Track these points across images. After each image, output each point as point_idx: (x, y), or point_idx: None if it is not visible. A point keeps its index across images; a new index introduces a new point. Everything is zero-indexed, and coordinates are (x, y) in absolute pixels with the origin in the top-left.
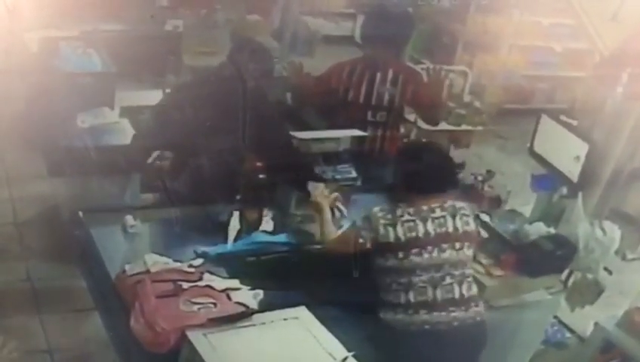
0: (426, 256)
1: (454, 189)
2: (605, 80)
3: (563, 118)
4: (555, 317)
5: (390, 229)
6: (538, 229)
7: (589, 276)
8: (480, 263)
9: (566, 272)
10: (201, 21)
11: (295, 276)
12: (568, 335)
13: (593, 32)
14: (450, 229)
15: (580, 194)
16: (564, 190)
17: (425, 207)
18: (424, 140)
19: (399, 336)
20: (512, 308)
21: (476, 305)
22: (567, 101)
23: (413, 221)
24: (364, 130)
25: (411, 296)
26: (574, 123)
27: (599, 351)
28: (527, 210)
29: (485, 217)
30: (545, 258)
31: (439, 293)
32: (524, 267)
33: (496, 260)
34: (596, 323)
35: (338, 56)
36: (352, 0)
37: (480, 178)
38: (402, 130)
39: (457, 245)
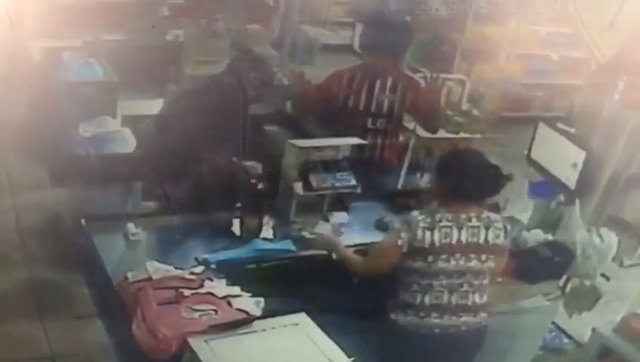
0: (452, 262)
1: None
2: (602, 88)
3: (560, 125)
4: (553, 322)
5: (428, 234)
6: (536, 236)
7: (587, 282)
8: None
9: (564, 278)
10: (201, 31)
11: (295, 283)
12: (566, 340)
13: (590, 40)
14: (482, 241)
15: (577, 201)
16: (562, 197)
17: (463, 215)
18: (468, 147)
19: (407, 338)
20: (510, 314)
21: (484, 312)
22: (565, 109)
23: (450, 227)
24: (364, 137)
25: (427, 299)
26: (571, 130)
27: (597, 357)
28: (525, 217)
29: None
30: (543, 264)
31: (454, 299)
32: (522, 273)
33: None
34: (594, 329)
35: (337, 64)
36: (350, 9)
37: None
38: (401, 137)
39: (484, 257)
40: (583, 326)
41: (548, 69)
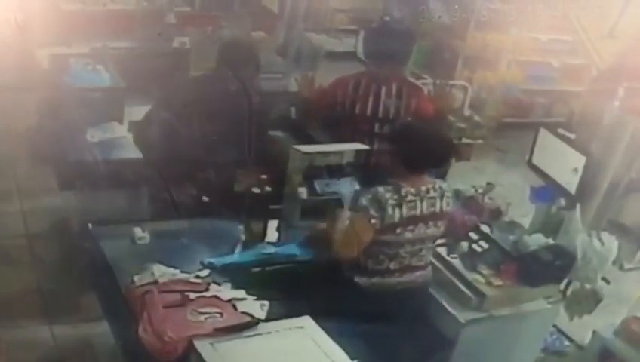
0: (416, 231)
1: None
2: (602, 94)
3: (561, 131)
4: (554, 325)
5: (397, 209)
6: (537, 240)
7: (588, 286)
8: (480, 273)
9: (565, 282)
10: (207, 38)
11: (300, 286)
12: (567, 343)
13: (590, 47)
14: (438, 209)
15: (578, 206)
16: (563, 202)
17: (423, 188)
18: (417, 121)
19: (370, 297)
20: (511, 317)
21: (430, 265)
22: (565, 115)
23: (414, 201)
24: (371, 142)
25: (392, 265)
26: (572, 136)
27: (598, 360)
28: (526, 222)
29: (485, 228)
30: (544, 268)
31: (414, 261)
32: (523, 277)
33: (497, 270)
34: (594, 332)
35: (341, 71)
36: (354, 17)
37: (480, 190)
38: None
39: (439, 223)
40: (584, 329)
41: (549, 75)
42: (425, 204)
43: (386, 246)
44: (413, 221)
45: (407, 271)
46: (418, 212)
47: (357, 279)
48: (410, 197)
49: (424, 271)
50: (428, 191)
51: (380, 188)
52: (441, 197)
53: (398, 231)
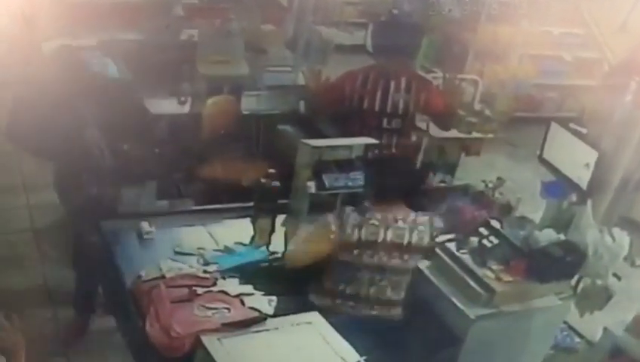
0: (375, 258)
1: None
2: (614, 88)
3: (572, 126)
4: (565, 322)
5: (356, 230)
6: (548, 236)
7: (599, 282)
8: (490, 269)
9: (575, 278)
10: (215, 31)
11: (308, 282)
12: (578, 340)
13: (602, 41)
14: (405, 242)
15: (589, 201)
16: (574, 197)
17: (390, 216)
18: (399, 153)
19: None
20: (522, 313)
21: (397, 306)
22: (577, 109)
23: (377, 226)
24: (380, 137)
25: (348, 289)
26: (584, 131)
27: (608, 356)
28: (537, 217)
29: (495, 223)
30: (554, 264)
31: (372, 291)
32: (533, 273)
33: (507, 266)
34: (605, 329)
35: (351, 64)
36: (363, 10)
37: (490, 185)
38: (414, 137)
39: (406, 256)
40: (595, 325)
41: (560, 69)
42: (390, 232)
43: (344, 266)
44: (372, 246)
45: (361, 303)
46: (379, 238)
47: (311, 297)
48: (373, 222)
49: (384, 310)
50: (396, 221)
51: (348, 208)
52: (411, 231)
53: (356, 252)
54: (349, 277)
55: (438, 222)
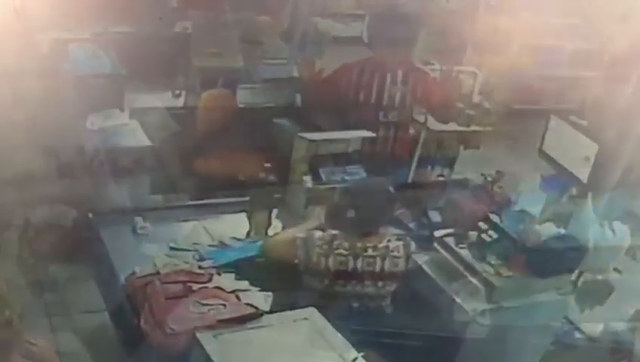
0: (349, 287)
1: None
2: (615, 80)
3: (573, 118)
4: (565, 317)
5: (323, 259)
6: (548, 230)
7: (599, 276)
8: (489, 263)
9: (576, 273)
10: (209, 22)
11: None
12: (578, 335)
13: (603, 32)
14: (377, 269)
15: (589, 195)
16: (574, 190)
17: (359, 245)
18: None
19: None
20: (521, 308)
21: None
22: (577, 101)
23: (345, 256)
24: (376, 130)
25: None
26: (584, 123)
27: (609, 351)
28: (536, 211)
29: (495, 217)
30: (555, 258)
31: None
32: (533, 267)
33: (506, 261)
34: (606, 324)
35: (347, 56)
36: (361, 1)
37: (490, 178)
38: (412, 130)
39: (380, 284)
40: (595, 320)
41: (560, 60)
42: (360, 261)
43: (318, 294)
44: (343, 276)
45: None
46: (350, 268)
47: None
48: (341, 251)
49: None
50: (365, 250)
51: (318, 233)
52: (384, 258)
53: (327, 281)
54: (321, 304)
55: (436, 217)
